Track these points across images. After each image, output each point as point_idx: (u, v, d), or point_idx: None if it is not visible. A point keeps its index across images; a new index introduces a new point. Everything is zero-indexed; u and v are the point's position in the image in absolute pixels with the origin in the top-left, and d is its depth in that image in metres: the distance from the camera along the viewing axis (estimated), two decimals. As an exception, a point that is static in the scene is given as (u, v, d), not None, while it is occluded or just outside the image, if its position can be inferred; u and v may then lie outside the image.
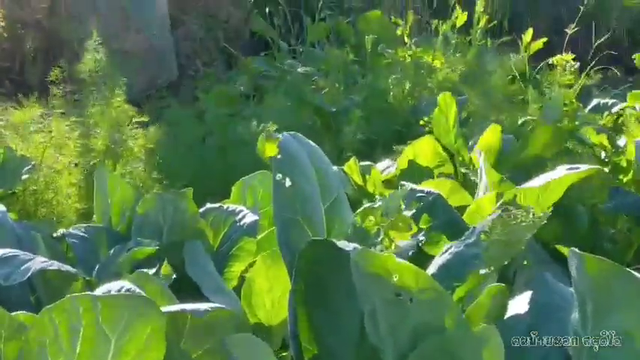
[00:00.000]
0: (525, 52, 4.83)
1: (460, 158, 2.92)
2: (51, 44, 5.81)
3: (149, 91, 5.36)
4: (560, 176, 2.16)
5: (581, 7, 5.49)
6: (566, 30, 4.87)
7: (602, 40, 5.21)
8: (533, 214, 1.63)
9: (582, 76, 4.52)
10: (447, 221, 2.19)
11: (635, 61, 4.39)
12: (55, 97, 3.51)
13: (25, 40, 5.94)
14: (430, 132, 3.18)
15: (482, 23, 5.29)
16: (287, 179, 1.82)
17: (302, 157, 1.92)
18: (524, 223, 1.62)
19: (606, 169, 2.80)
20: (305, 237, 1.79)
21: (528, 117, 3.58)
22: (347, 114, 4.18)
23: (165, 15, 5.76)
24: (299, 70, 5.07)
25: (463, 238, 1.70)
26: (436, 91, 4.28)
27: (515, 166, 2.92)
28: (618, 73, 5.52)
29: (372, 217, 1.96)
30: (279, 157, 1.84)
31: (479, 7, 5.27)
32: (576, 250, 1.44)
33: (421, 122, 3.66)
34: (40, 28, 5.95)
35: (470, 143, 3.05)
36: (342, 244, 1.54)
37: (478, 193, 2.41)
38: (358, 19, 6.00)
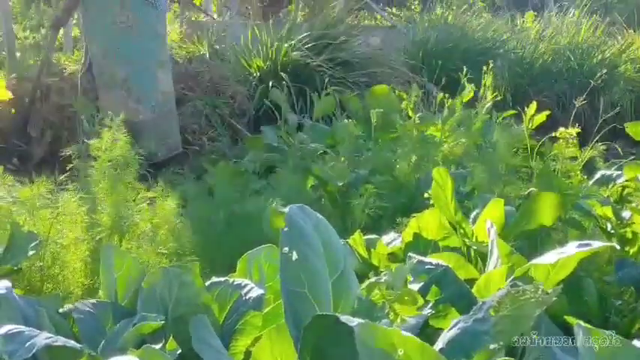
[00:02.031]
0: (529, 125, 4.86)
1: (462, 231, 2.92)
2: (59, 119, 5.89)
3: (154, 163, 5.39)
4: (571, 253, 2.16)
5: (592, 82, 5.56)
6: (575, 102, 4.91)
7: (607, 113, 5.24)
8: (543, 291, 1.62)
9: (587, 150, 4.54)
10: (456, 294, 2.19)
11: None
12: (63, 173, 3.54)
13: (33, 115, 6.01)
14: (434, 205, 3.19)
15: (488, 97, 5.34)
16: (294, 252, 1.82)
17: (309, 230, 1.93)
18: (533, 300, 1.61)
19: (613, 242, 2.80)
20: (311, 311, 1.79)
21: (533, 189, 3.59)
22: (354, 187, 4.20)
23: (171, 92, 5.83)
24: (305, 144, 5.11)
25: (472, 312, 1.69)
26: (442, 164, 4.31)
27: (518, 236, 2.93)
28: (620, 147, 5.54)
29: (377, 291, 1.96)
30: (286, 229, 1.85)
31: (485, 81, 5.33)
32: (582, 323, 1.44)
33: (425, 195, 3.67)
34: (49, 104, 6.04)
35: (472, 215, 3.05)
36: (346, 318, 1.54)
37: (488, 265, 2.41)
38: (364, 93, 6.07)
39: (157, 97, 5.70)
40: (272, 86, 6.53)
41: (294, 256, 1.82)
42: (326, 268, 1.91)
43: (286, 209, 1.91)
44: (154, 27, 5.73)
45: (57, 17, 6.05)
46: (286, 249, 1.82)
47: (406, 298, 1.94)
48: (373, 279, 2.01)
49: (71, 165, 3.80)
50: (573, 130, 4.24)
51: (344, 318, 1.52)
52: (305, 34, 7.29)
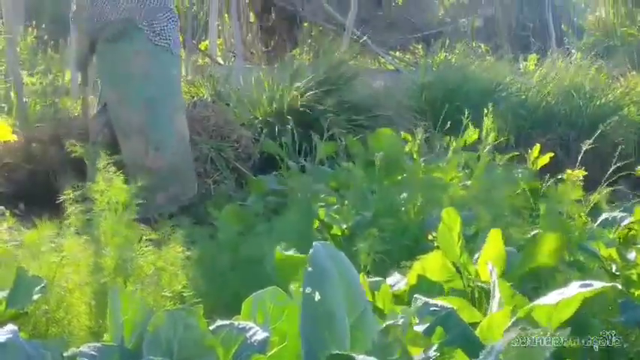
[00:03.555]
0: (533, 167, 4.89)
1: (466, 273, 2.92)
2: (66, 163, 5.90)
3: (168, 209, 5.41)
4: (573, 294, 2.16)
5: (600, 125, 5.59)
6: (580, 144, 4.95)
7: (611, 156, 5.26)
8: (551, 333, 1.63)
9: (595, 193, 4.55)
10: (461, 336, 2.19)
11: (640, 175, 4.45)
12: (68, 217, 3.56)
13: (40, 160, 6.04)
14: (439, 247, 3.20)
15: (490, 139, 5.36)
16: (316, 293, 1.83)
17: (332, 270, 1.95)
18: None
19: (618, 283, 2.80)
20: (329, 351, 1.79)
21: (537, 230, 3.60)
22: (358, 230, 4.21)
23: (187, 136, 5.84)
24: (309, 187, 5.12)
25: (482, 357, 1.69)
26: (447, 206, 4.32)
27: (522, 277, 2.93)
28: (624, 189, 5.56)
29: (392, 333, 1.97)
30: (309, 269, 1.86)
31: (487, 124, 5.36)
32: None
33: (430, 237, 3.69)
34: (56, 148, 6.06)
35: (475, 256, 3.06)
36: (362, 358, 1.55)
37: (491, 307, 2.41)
38: (368, 136, 6.09)
39: (173, 143, 5.70)
40: (277, 130, 6.57)
41: (317, 296, 1.83)
42: (346, 309, 1.92)
43: (311, 248, 1.92)
44: (169, 72, 5.76)
45: (80, 55, 6.05)
46: (309, 289, 1.83)
47: (419, 340, 1.95)
48: (391, 321, 2.01)
49: (75, 208, 3.82)
50: (579, 173, 4.27)
51: (360, 357, 1.53)
52: (309, 78, 7.35)
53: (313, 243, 1.95)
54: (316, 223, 4.51)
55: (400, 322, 1.98)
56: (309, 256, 1.86)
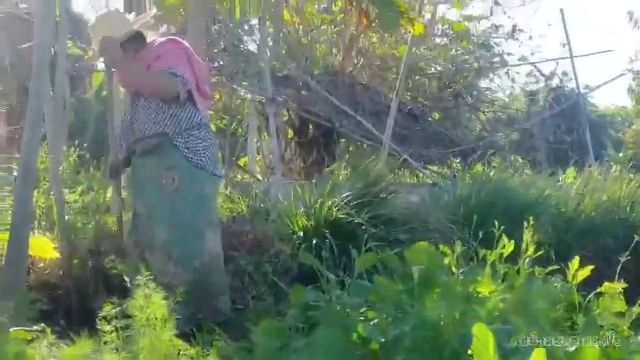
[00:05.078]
0: (573, 280, 4.84)
1: (505, 387, 2.88)
2: (105, 280, 5.96)
3: (200, 323, 5.40)
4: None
5: (635, 236, 5.54)
6: (620, 257, 4.91)
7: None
8: None
9: (637, 305, 4.48)
10: None
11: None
12: (107, 333, 3.58)
13: (80, 276, 6.11)
14: (478, 361, 3.16)
15: (529, 252, 5.33)
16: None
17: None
18: None
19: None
20: None
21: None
22: (396, 344, 4.17)
23: (219, 252, 5.86)
24: (347, 301, 5.11)
25: None
26: (486, 320, 4.28)
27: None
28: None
29: None
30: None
31: (526, 236, 5.35)
32: None
33: (469, 352, 3.64)
34: (96, 265, 6.14)
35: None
36: None
37: None
38: (405, 249, 6.08)
39: (202, 259, 5.70)
40: (315, 243, 6.60)
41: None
42: None
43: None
44: (202, 188, 5.77)
45: (114, 165, 6.17)
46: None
47: None
48: None
49: (113, 324, 3.84)
50: (619, 285, 4.22)
51: None
52: (347, 193, 7.42)
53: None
54: (354, 337, 4.47)
55: None
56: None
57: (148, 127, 5.74)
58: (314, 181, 8.09)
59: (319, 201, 7.33)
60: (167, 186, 5.64)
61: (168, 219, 5.66)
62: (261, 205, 8.03)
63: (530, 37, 16.51)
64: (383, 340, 4.31)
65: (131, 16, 6.30)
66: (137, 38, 5.94)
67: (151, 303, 3.63)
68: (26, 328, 4.27)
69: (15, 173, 7.32)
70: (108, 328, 3.67)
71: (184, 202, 5.66)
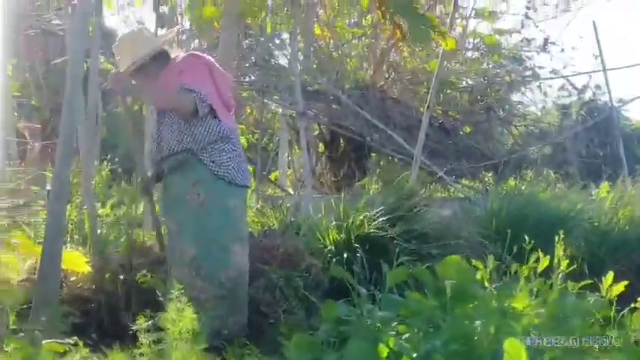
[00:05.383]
0: (607, 295, 4.79)
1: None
2: (138, 294, 5.98)
3: (226, 337, 5.40)
4: None
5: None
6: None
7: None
8: None
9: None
10: None
11: None
12: (140, 346, 3.59)
13: (112, 290, 6.14)
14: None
15: (563, 267, 5.29)
16: None
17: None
18: None
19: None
20: None
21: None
22: (428, 359, 4.14)
23: (246, 267, 5.87)
24: (378, 315, 5.09)
25: None
26: (520, 335, 4.24)
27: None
28: None
29: None
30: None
31: (558, 251, 5.30)
32: None
33: (503, 367, 3.61)
34: (128, 279, 6.16)
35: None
36: None
37: None
38: (437, 264, 6.06)
39: (228, 272, 5.71)
40: (346, 258, 6.59)
41: None
42: None
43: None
44: (227, 202, 5.79)
45: (145, 182, 6.21)
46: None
47: None
48: None
49: (146, 338, 3.85)
50: (653, 300, 4.17)
51: None
52: (379, 207, 7.40)
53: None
54: (386, 352, 4.45)
55: None
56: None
57: (173, 144, 5.79)
58: (345, 195, 8.07)
59: (351, 215, 7.32)
60: (192, 201, 5.68)
61: (195, 234, 5.69)
62: (292, 220, 8.03)
63: (563, 50, 16.35)
64: (414, 354, 4.28)
65: (162, 32, 6.34)
66: (161, 58, 5.96)
67: (182, 317, 3.64)
68: (59, 341, 4.30)
69: (48, 187, 7.40)
70: (143, 340, 3.69)
71: (210, 217, 5.69)
